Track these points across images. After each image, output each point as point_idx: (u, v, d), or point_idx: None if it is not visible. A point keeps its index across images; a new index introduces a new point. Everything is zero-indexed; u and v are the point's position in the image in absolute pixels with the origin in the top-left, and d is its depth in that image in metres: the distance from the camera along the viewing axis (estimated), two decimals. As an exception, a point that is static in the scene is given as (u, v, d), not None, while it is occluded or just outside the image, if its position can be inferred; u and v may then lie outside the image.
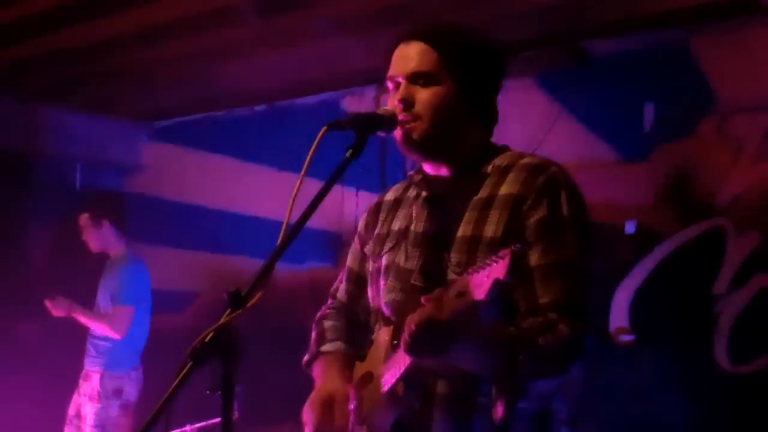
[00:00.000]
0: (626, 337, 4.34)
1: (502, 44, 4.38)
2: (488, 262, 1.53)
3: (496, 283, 1.50)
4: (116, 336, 5.21)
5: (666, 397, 4.12)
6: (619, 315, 4.36)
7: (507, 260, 1.48)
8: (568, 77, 4.54)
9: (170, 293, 6.37)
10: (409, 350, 1.68)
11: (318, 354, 2.21)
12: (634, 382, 4.23)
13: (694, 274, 4.16)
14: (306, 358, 2.25)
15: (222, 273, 5.89)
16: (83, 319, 5.17)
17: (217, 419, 1.58)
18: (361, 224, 2.30)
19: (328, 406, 2.04)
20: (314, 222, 5.59)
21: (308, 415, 2.07)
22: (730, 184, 4.08)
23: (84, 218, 5.34)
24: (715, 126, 4.13)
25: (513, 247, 1.50)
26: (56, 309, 5.07)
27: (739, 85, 4.06)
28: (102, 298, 5.32)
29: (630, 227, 4.36)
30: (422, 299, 1.63)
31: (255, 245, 5.49)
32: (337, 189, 5.50)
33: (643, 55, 4.34)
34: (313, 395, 2.10)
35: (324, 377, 2.12)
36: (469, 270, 1.58)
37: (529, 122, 4.62)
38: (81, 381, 5.28)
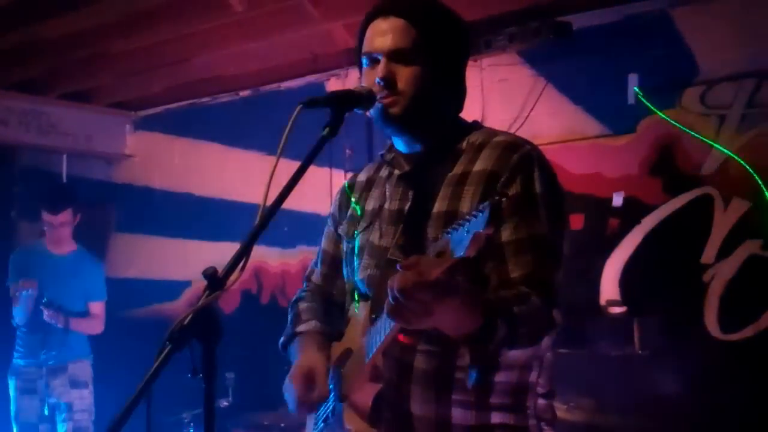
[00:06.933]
0: (617, 309, 4.35)
1: (486, 19, 4.36)
2: (467, 218, 1.48)
3: (477, 237, 1.44)
4: (99, 331, 5.37)
5: (658, 367, 4.13)
6: (609, 287, 4.38)
7: (487, 212, 1.43)
8: (551, 51, 4.52)
9: (163, 283, 6.36)
10: (392, 313, 1.60)
11: (294, 335, 2.20)
12: (625, 353, 4.24)
13: (682, 244, 4.17)
14: (282, 340, 2.25)
15: (213, 260, 5.87)
16: (75, 326, 5.23)
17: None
18: (334, 206, 2.30)
19: (308, 379, 2.03)
20: (304, 205, 5.49)
21: (288, 389, 2.06)
22: (715, 153, 4.08)
23: (68, 213, 5.29)
24: (698, 95, 4.13)
25: (492, 200, 1.45)
26: (55, 320, 5.10)
27: (721, 53, 4.05)
28: (68, 296, 5.29)
29: (617, 199, 4.36)
30: (398, 266, 1.57)
31: (245, 231, 5.45)
32: (325, 172, 5.49)
33: (625, 26, 4.32)
34: (292, 371, 2.08)
35: (302, 354, 2.11)
36: (448, 230, 1.53)
37: (513, 97, 4.61)
38: (41, 378, 5.24)
